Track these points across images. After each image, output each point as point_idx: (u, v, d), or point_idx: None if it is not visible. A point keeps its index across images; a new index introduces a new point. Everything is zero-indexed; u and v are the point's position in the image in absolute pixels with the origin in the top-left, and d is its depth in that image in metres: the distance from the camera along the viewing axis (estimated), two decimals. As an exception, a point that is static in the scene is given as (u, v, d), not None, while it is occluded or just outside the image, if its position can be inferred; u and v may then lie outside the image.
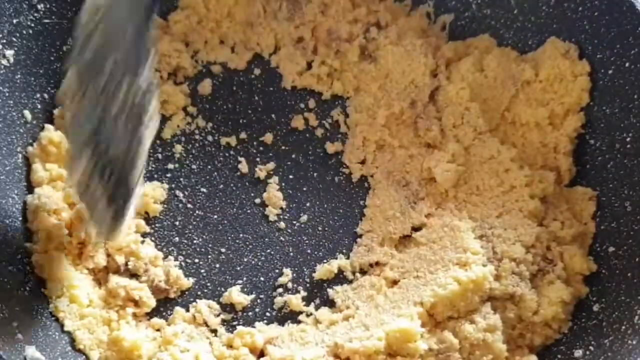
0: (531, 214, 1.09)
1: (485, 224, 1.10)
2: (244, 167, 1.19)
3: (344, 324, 1.06)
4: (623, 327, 0.99)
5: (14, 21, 1.08)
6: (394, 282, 1.09)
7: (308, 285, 1.12)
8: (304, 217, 1.16)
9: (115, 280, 1.08)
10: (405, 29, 1.23)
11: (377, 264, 1.12)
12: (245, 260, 1.13)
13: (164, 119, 1.20)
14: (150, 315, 1.09)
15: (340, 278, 1.13)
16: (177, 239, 1.14)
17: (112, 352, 1.03)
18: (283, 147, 1.20)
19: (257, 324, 1.09)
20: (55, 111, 1.14)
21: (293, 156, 1.20)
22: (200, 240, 1.14)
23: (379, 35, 1.23)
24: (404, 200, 1.15)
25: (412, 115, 1.20)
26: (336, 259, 1.13)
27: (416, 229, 1.14)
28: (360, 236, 1.15)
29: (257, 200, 1.17)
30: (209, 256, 1.13)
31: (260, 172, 1.18)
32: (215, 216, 1.15)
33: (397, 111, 1.19)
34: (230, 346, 1.06)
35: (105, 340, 1.04)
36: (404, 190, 1.16)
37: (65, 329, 1.04)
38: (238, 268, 1.13)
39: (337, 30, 1.24)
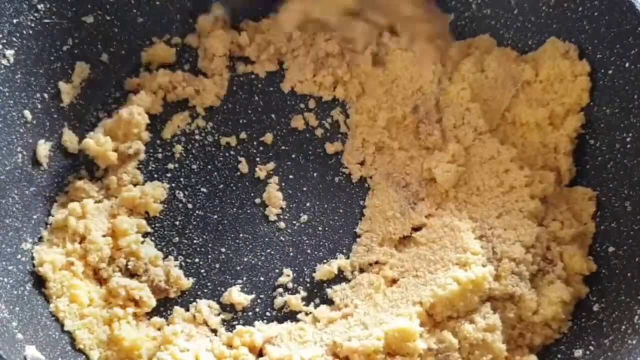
0: (531, 214, 1.09)
1: (485, 224, 1.10)
2: (244, 167, 1.19)
3: (343, 323, 1.06)
4: (623, 327, 0.98)
5: (14, 21, 1.08)
6: (393, 281, 1.09)
7: (308, 285, 1.12)
8: (304, 217, 1.16)
9: (115, 280, 1.08)
10: (418, 33, 1.23)
11: (376, 263, 1.12)
12: (245, 260, 1.13)
13: (164, 119, 1.21)
14: (150, 315, 1.09)
15: (340, 278, 1.13)
16: (177, 239, 1.14)
17: (112, 352, 1.03)
18: (283, 147, 1.21)
19: (256, 323, 1.09)
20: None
21: (293, 156, 1.20)
22: (200, 240, 1.14)
23: (391, 41, 1.22)
24: (404, 201, 1.15)
25: (414, 120, 1.19)
26: (336, 258, 1.13)
27: (416, 229, 1.14)
28: (360, 236, 1.15)
29: (257, 200, 1.17)
30: (209, 256, 1.13)
31: (260, 172, 1.18)
32: (215, 216, 1.15)
33: (400, 116, 1.19)
34: (230, 345, 1.06)
35: (105, 340, 1.04)
36: (404, 191, 1.16)
37: (65, 328, 1.04)
38: (238, 268, 1.13)
39: (352, 39, 1.23)
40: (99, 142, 1.14)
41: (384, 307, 1.06)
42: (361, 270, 1.12)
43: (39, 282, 1.06)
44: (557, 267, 1.07)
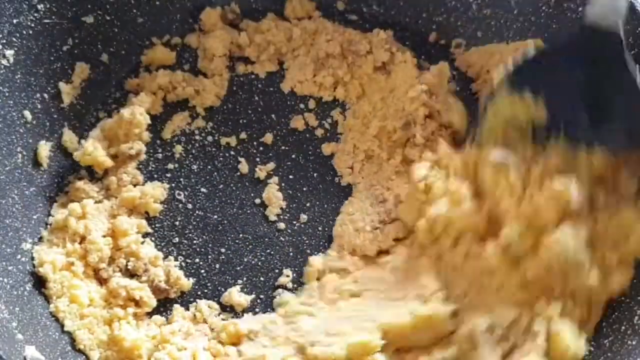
0: (517, 303, 0.98)
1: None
2: (244, 167, 1.19)
3: (306, 321, 1.05)
4: (623, 328, 0.98)
5: (14, 21, 1.08)
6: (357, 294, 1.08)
7: (308, 285, 1.12)
8: (304, 217, 1.16)
9: (115, 280, 1.08)
10: None
11: (344, 270, 1.11)
12: (245, 260, 1.13)
13: (164, 119, 1.21)
14: (150, 315, 1.09)
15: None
16: (177, 239, 1.14)
17: (112, 352, 1.03)
18: (283, 147, 1.21)
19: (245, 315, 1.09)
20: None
21: (293, 156, 1.20)
22: (200, 240, 1.14)
23: (398, 52, 1.23)
24: (376, 217, 1.14)
25: (402, 137, 1.18)
26: (334, 259, 1.14)
27: (383, 251, 1.12)
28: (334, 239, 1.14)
29: (257, 200, 1.17)
30: (209, 256, 1.13)
31: (260, 172, 1.18)
32: (215, 216, 1.16)
33: (390, 128, 1.18)
34: (221, 342, 1.06)
35: (106, 340, 1.04)
36: (379, 206, 1.14)
37: (66, 329, 1.04)
38: (238, 268, 1.13)
39: (357, 42, 1.24)
40: (87, 152, 1.13)
41: (346, 315, 1.04)
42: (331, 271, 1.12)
43: (39, 282, 1.06)
44: (538, 340, 0.95)
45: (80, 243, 1.10)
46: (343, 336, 1.01)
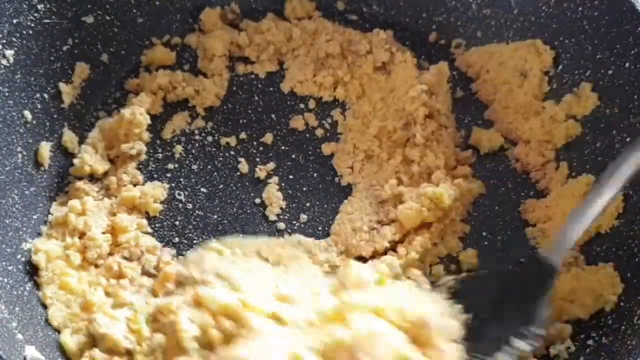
0: None
1: None
2: (244, 167, 1.19)
3: (212, 258, 1.04)
4: (623, 327, 0.98)
5: (14, 21, 1.08)
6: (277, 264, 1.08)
7: (308, 285, 1.12)
8: (304, 217, 1.16)
9: (112, 258, 1.07)
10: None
11: (315, 256, 1.11)
12: (245, 260, 1.13)
13: (164, 119, 1.21)
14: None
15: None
16: (177, 239, 1.14)
17: (83, 323, 1.01)
18: (283, 147, 1.21)
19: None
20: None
21: (293, 156, 1.20)
22: (200, 240, 1.14)
23: (398, 52, 1.23)
24: (374, 217, 1.14)
25: (402, 137, 1.18)
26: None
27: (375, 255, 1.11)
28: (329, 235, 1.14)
29: (257, 200, 1.17)
30: (209, 256, 1.13)
31: (260, 172, 1.18)
32: (215, 216, 1.15)
33: (390, 129, 1.18)
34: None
35: (78, 312, 1.02)
36: (378, 207, 1.14)
37: (49, 317, 1.03)
38: (238, 268, 1.13)
39: (357, 42, 1.24)
40: (82, 162, 1.13)
41: (246, 269, 1.03)
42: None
43: (33, 271, 1.05)
44: None
45: (79, 239, 1.09)
46: (228, 282, 0.98)
